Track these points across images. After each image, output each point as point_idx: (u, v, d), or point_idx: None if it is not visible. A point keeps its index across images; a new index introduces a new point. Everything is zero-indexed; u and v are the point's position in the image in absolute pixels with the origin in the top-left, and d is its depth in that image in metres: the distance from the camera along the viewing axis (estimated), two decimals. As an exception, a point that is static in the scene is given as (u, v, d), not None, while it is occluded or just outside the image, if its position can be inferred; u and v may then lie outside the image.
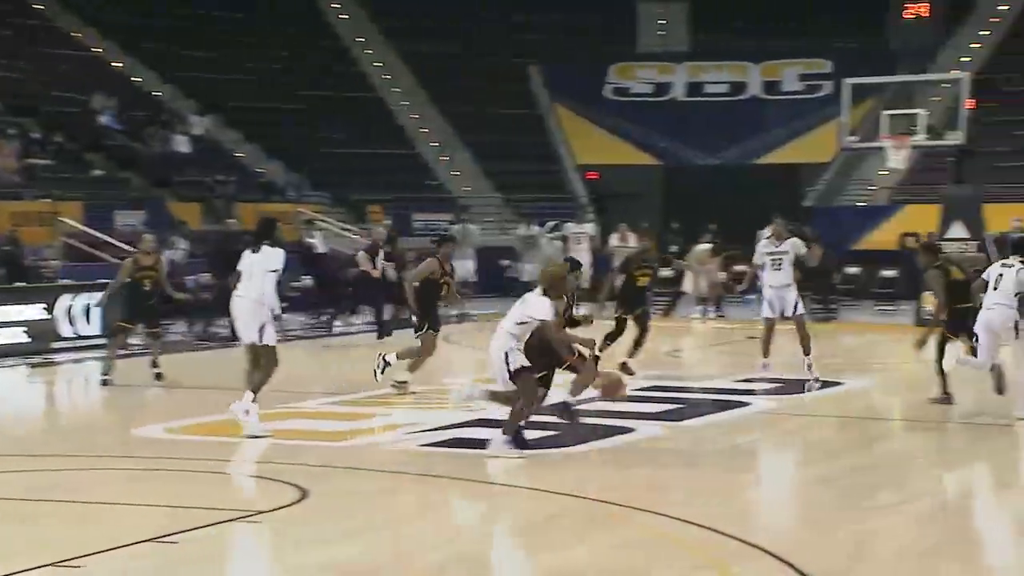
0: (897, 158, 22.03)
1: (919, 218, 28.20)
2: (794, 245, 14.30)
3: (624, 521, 7.53)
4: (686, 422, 11.36)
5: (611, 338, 14.11)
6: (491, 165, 34.62)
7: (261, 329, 10.39)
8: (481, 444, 9.73)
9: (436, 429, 10.70)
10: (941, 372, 11.88)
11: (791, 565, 6.37)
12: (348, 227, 27.59)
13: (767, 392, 13.16)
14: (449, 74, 36.00)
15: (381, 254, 18.99)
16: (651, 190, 33.07)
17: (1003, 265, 11.55)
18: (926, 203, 27.58)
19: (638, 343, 14.45)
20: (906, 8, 34.22)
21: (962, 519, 7.95)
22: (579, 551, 6.85)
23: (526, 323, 9.45)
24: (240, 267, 10.55)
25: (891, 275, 25.10)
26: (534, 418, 9.72)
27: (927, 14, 33.99)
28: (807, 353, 13.79)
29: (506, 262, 28.05)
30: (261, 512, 7.65)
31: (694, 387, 14.13)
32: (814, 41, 37.16)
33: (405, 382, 12.80)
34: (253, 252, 10.47)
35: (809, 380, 13.57)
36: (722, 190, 31.06)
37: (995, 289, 11.33)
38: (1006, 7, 37.59)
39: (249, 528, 7.38)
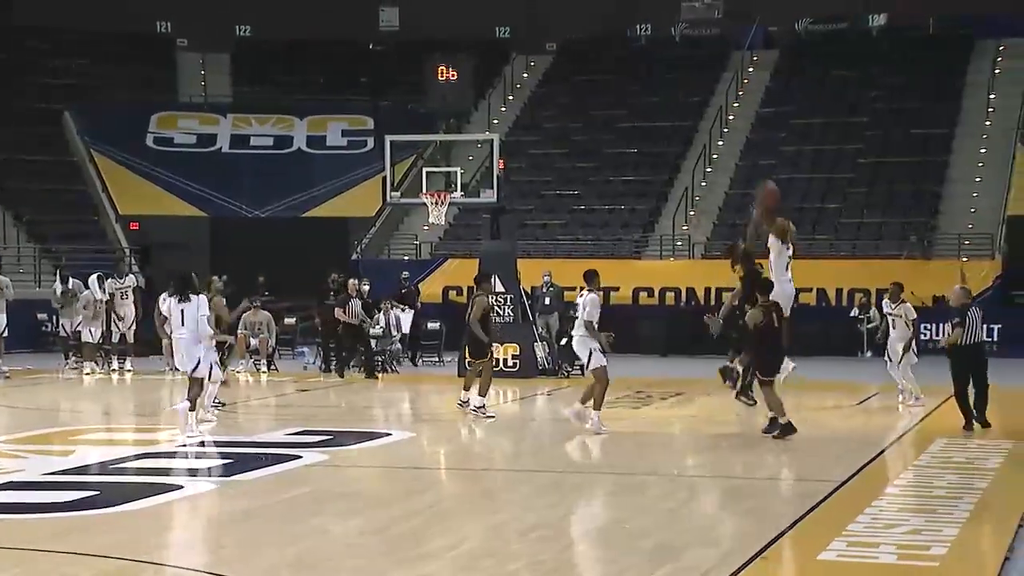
0: (437, 213, 22.88)
1: (461, 271, 29.60)
2: None
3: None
4: (236, 477, 11.26)
5: None
6: (24, 213, 32.68)
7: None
8: (12, 509, 9.16)
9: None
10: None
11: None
12: None
13: (317, 445, 13.29)
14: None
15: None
16: (198, 241, 32.45)
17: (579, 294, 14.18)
18: (466, 257, 29.02)
19: None
20: (440, 70, 35.92)
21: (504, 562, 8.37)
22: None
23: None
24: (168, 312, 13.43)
25: (435, 327, 26.03)
26: (73, 479, 9.21)
27: (455, 77, 35.83)
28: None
29: (43, 315, 26.70)
30: None
31: (244, 441, 14.03)
32: (357, 98, 38.17)
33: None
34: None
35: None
36: (271, 243, 31.09)
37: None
38: (525, 75, 40.51)
39: None
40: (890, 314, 17.19)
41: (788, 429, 13.66)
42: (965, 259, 28.77)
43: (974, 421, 14.36)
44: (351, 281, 22.38)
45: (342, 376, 21.23)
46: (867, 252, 30.60)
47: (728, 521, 9.63)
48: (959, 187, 32.65)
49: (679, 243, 32.62)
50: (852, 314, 28.08)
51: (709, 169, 35.35)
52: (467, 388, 16.02)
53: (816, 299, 29.48)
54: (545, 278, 25.15)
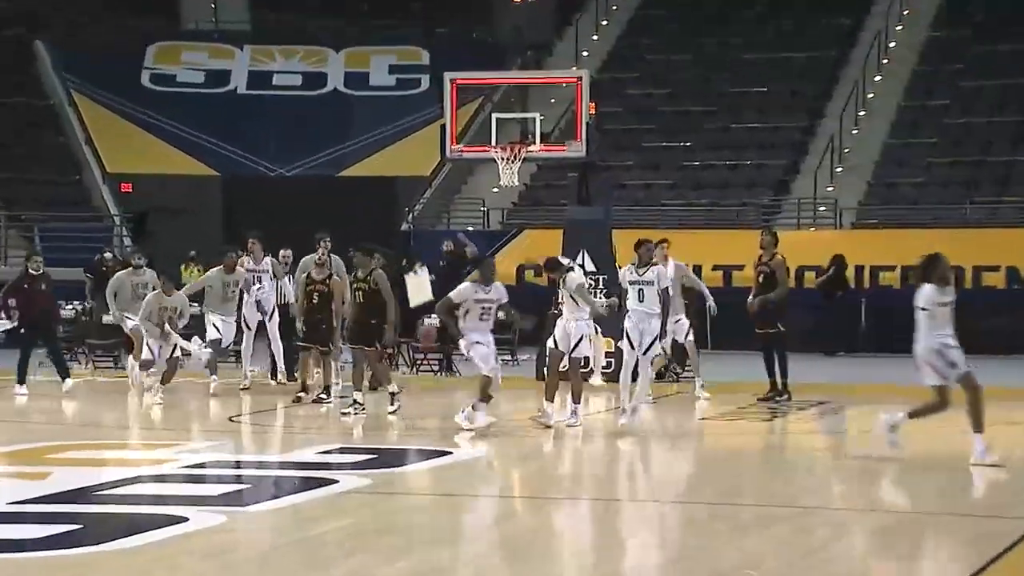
0: (510, 172, 22.88)
1: (540, 245, 29.54)
2: None
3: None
4: (252, 507, 11.38)
5: None
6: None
7: None
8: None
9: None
10: None
11: None
12: None
13: (357, 466, 13.40)
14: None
15: None
16: (207, 207, 32.81)
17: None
18: (547, 227, 29.00)
19: None
20: (517, -9, 35.99)
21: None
22: None
23: None
24: None
25: (505, 319, 26.01)
26: (48, 508, 9.30)
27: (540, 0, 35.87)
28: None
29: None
30: None
31: (265, 461, 14.18)
32: (408, 26, 38.26)
33: None
34: None
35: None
36: (299, 209, 31.30)
37: None
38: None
39: None
40: None
41: None
42: None
43: None
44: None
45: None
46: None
47: (877, 568, 9.58)
48: None
49: (822, 208, 32.34)
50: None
51: (862, 113, 35.01)
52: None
53: (1006, 280, 29.08)
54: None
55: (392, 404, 17.04)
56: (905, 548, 10.01)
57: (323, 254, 19.31)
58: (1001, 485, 12.79)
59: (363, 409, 17.08)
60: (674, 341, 18.82)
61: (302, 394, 18.72)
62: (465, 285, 16.08)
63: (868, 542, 10.52)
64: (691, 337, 19.01)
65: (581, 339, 16.04)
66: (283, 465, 13.89)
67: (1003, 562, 9.42)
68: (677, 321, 18.47)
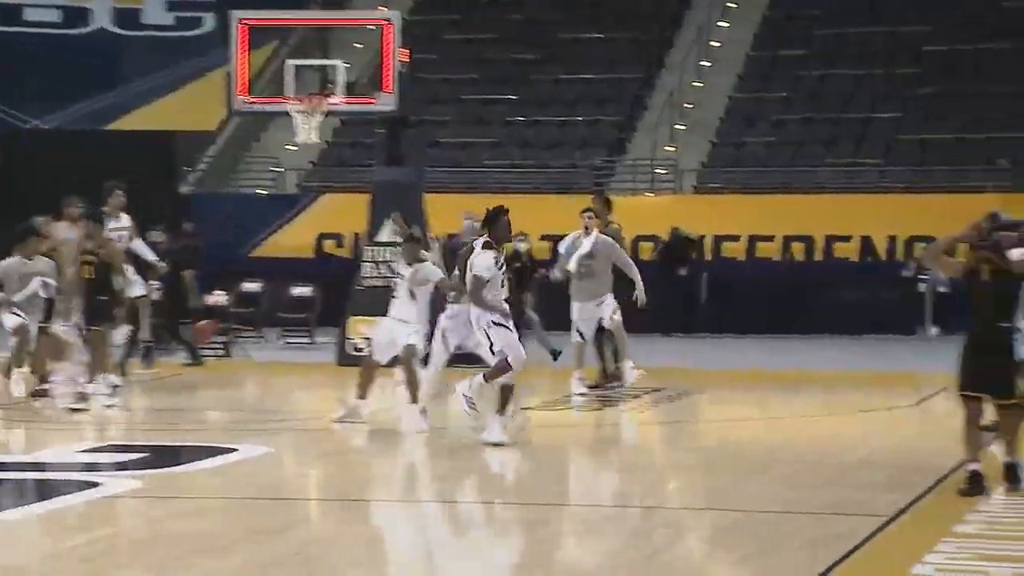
0: (308, 127, 22.75)
1: (342, 211, 29.43)
2: None
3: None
4: None
5: None
6: None
7: None
8: None
9: None
10: None
11: None
12: None
13: (124, 467, 13.24)
14: None
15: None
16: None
17: None
18: (351, 190, 28.86)
19: None
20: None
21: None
22: None
23: None
24: None
25: (306, 293, 25.90)
26: None
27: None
28: None
29: None
30: None
31: (10, 462, 13.92)
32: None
33: None
34: None
35: None
36: (60, 168, 30.58)
37: None
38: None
39: None
40: None
41: None
42: None
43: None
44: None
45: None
46: (935, 183, 30.84)
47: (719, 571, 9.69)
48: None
49: (661, 171, 32.69)
50: (906, 273, 28.29)
51: (706, 63, 35.43)
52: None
53: (859, 252, 29.74)
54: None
55: (109, 397, 16.94)
56: (750, 548, 10.14)
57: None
58: (845, 481, 13.02)
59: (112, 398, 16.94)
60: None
61: (45, 385, 18.12)
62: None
63: (708, 544, 10.64)
64: (618, 316, 18.58)
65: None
66: (33, 467, 13.58)
67: (848, 564, 9.60)
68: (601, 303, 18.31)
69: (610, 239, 18.47)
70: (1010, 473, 11.92)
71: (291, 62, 23.65)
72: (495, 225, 14.30)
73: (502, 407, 14.27)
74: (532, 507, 12.17)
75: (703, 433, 14.17)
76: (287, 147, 31.63)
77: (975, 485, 11.69)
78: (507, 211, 14.43)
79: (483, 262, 14.08)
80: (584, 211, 18.79)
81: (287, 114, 22.84)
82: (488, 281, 14.09)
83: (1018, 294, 11.91)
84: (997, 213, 12.26)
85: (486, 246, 14.19)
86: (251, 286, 26.41)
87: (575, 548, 10.53)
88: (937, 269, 15.25)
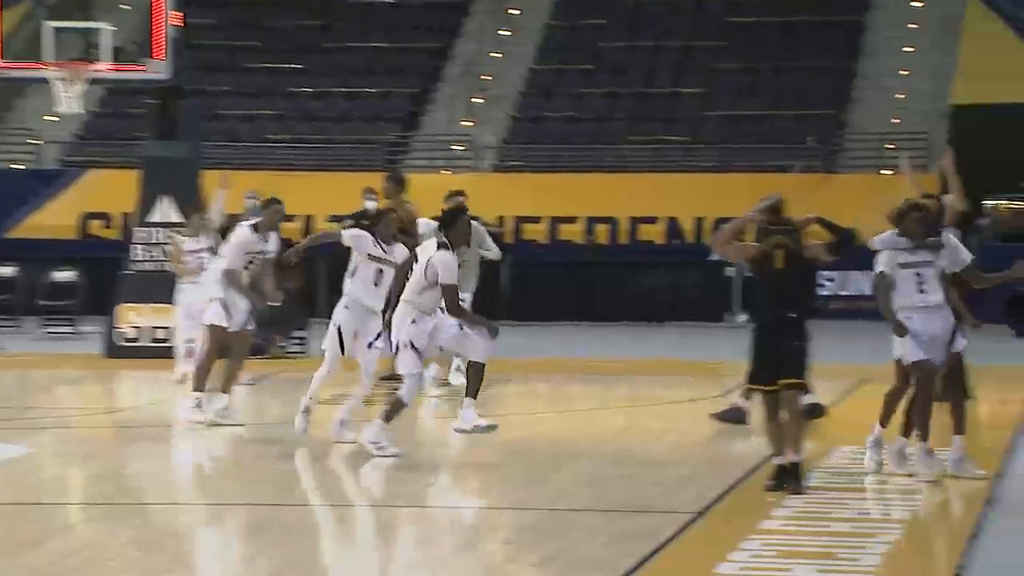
0: (70, 96, 22.50)
1: (110, 189, 29.15)
2: None
3: None
4: None
5: None
6: None
7: None
8: None
9: None
10: None
11: None
12: None
13: None
14: None
15: None
16: None
17: None
18: (119, 166, 28.60)
19: None
20: None
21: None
22: None
23: None
24: None
25: (68, 278, 25.62)
26: None
27: None
28: None
29: None
30: None
31: None
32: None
33: None
34: None
35: None
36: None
37: None
38: None
39: None
40: None
41: None
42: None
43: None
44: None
45: None
46: (741, 162, 31.49)
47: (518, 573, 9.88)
48: (882, 62, 33.77)
49: (457, 148, 32.90)
50: (714, 257, 28.79)
51: (505, 31, 35.69)
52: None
53: (666, 234, 30.26)
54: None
55: None
56: (551, 548, 10.32)
57: None
58: (648, 476, 13.31)
59: None
60: None
61: None
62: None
63: (509, 545, 10.82)
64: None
65: None
66: None
67: (653, 563, 9.89)
68: None
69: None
70: (782, 475, 12.17)
71: (50, 23, 23.34)
72: (454, 226, 13.77)
73: (474, 392, 13.87)
74: (322, 508, 12.30)
75: (503, 427, 14.31)
76: (46, 117, 31.19)
77: (781, 479, 12.05)
78: (467, 210, 14.19)
79: (451, 266, 13.44)
80: (366, 190, 18.80)
81: (45, 81, 22.55)
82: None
83: (813, 282, 12.12)
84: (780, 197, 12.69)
85: (442, 247, 13.61)
86: (5, 270, 26.08)
87: (371, 550, 10.67)
88: (726, 256, 15.59)
